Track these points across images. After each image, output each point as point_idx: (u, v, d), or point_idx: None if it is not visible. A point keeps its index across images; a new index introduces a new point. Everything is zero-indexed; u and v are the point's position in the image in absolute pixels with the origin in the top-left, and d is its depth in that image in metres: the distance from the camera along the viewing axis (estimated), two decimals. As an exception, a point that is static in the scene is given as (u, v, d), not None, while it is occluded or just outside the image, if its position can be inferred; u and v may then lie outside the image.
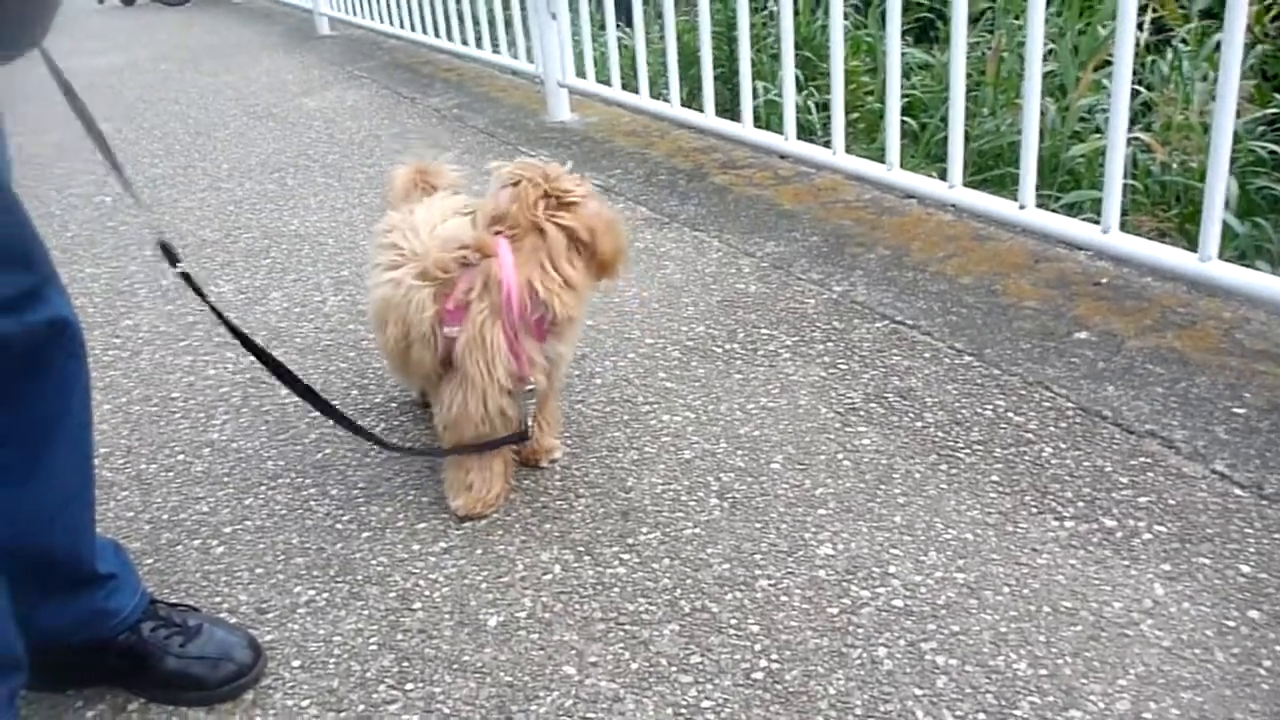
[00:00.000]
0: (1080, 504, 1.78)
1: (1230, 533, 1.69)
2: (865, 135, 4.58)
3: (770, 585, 1.66)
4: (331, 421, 1.82)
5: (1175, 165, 3.66)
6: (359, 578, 1.77)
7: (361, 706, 1.51)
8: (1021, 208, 2.61)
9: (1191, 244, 2.28)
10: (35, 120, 4.96)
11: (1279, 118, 3.89)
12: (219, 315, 1.59)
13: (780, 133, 3.33)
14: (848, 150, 3.19)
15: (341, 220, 3.47)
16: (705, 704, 1.46)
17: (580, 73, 4.34)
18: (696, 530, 1.81)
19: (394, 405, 2.29)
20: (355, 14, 6.81)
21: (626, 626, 1.61)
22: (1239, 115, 3.73)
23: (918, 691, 1.45)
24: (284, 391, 2.34)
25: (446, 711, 1.49)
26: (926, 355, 2.29)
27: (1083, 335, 2.30)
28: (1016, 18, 4.74)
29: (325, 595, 1.73)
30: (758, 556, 1.73)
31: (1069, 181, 3.91)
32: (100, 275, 3.15)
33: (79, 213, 3.75)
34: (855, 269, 2.74)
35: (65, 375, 1.42)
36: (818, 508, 1.84)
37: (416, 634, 1.63)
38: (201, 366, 2.53)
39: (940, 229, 2.93)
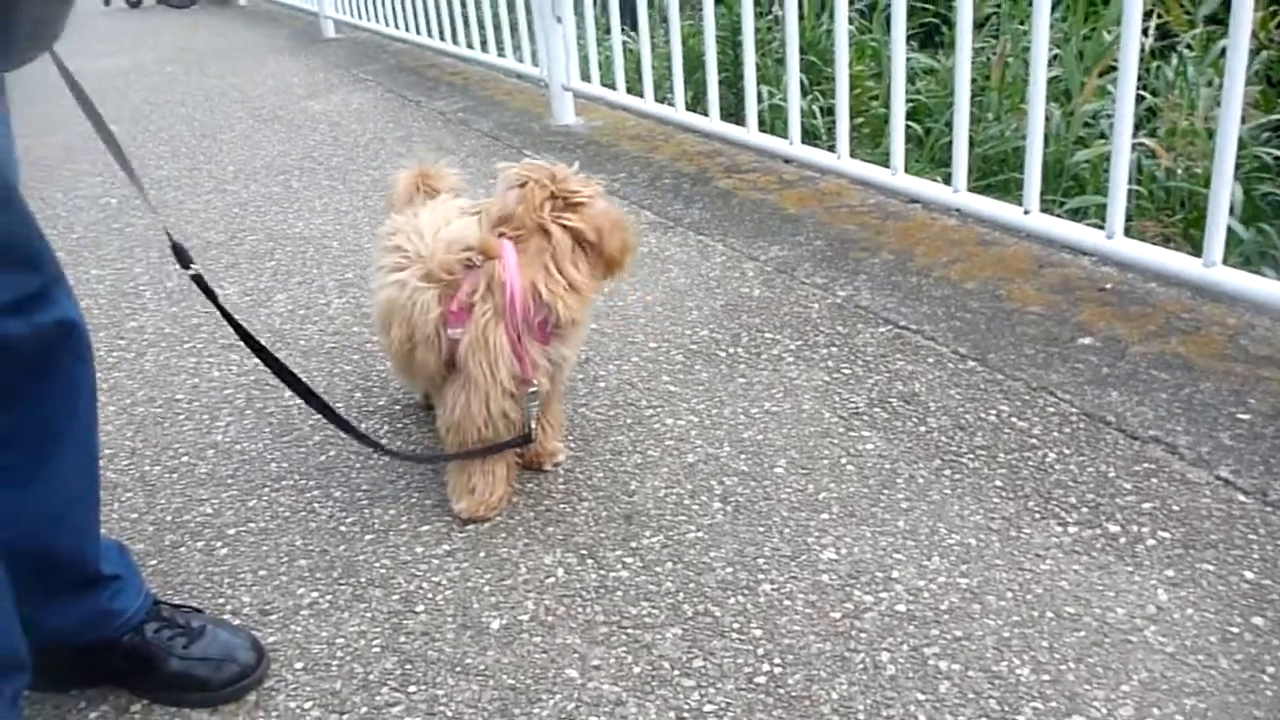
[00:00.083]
0: (1084, 509, 1.78)
1: (1234, 539, 1.68)
2: (870, 140, 4.58)
3: (773, 589, 1.66)
4: (347, 434, 1.82)
5: (1180, 171, 3.66)
6: (362, 580, 1.77)
7: (364, 709, 1.51)
8: (1026, 213, 2.61)
9: (1196, 249, 2.27)
10: (42, 122, 4.97)
11: (1284, 124, 3.89)
12: (229, 319, 1.59)
13: (785, 137, 3.34)
14: (852, 155, 3.19)
15: (346, 223, 3.48)
16: (708, 708, 1.46)
17: (585, 76, 4.34)
18: (699, 534, 1.81)
19: (398, 407, 2.29)
20: (361, 17, 6.82)
21: (629, 630, 1.61)
22: (1244, 121, 3.73)
23: (920, 696, 1.45)
24: (288, 394, 2.34)
25: (449, 714, 1.49)
26: (930, 360, 2.29)
27: (1087, 341, 2.30)
28: (1021, 23, 4.74)
29: (328, 597, 1.73)
30: (761, 561, 1.73)
31: (1073, 187, 3.91)
32: (105, 277, 3.16)
33: (85, 214, 3.76)
34: (859, 273, 2.74)
35: (72, 377, 1.42)
36: (821, 512, 1.84)
37: (419, 636, 1.63)
38: (206, 369, 2.54)
39: (944, 234, 2.93)
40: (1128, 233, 2.47)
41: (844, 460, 1.98)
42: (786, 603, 1.63)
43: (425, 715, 1.49)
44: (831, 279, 2.72)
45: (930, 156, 4.44)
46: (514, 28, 4.79)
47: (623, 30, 4.16)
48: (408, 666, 1.58)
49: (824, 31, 5.25)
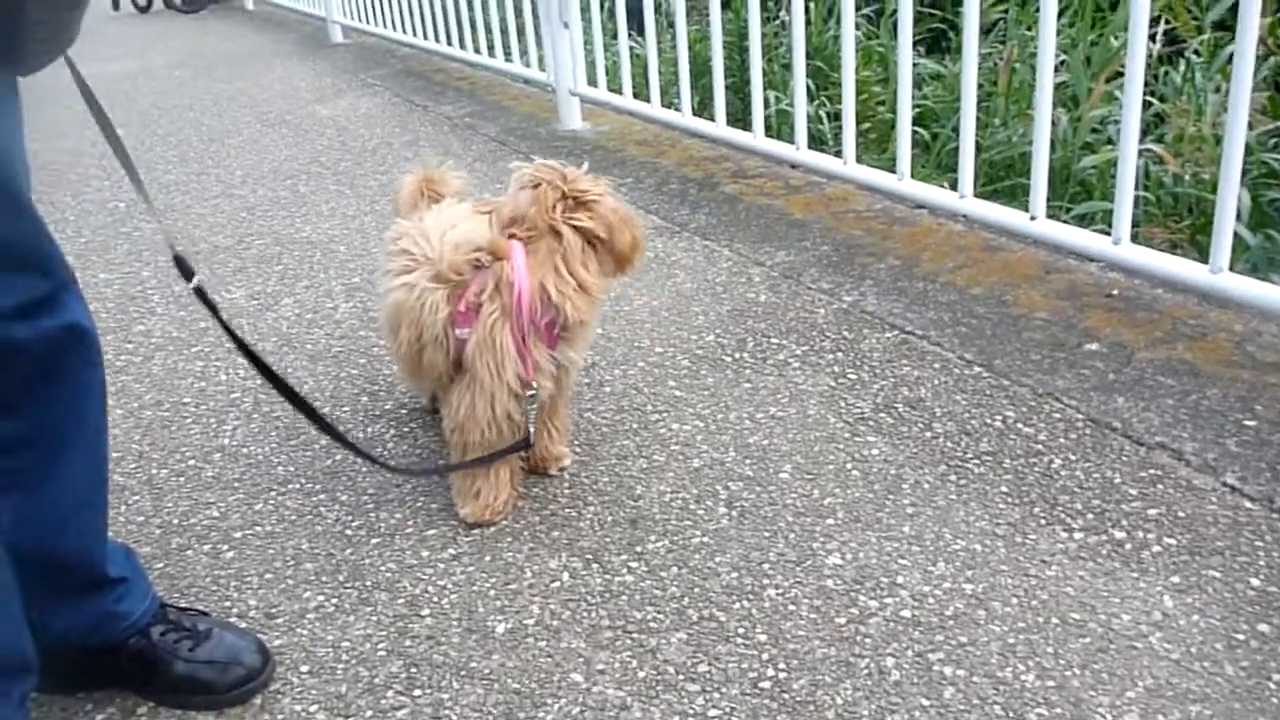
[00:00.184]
0: (1089, 516, 1.78)
1: (1240, 545, 1.68)
2: (876, 145, 4.58)
3: (778, 594, 1.66)
4: (347, 450, 1.82)
5: (1187, 177, 3.65)
6: (368, 584, 1.77)
7: (369, 712, 1.51)
8: (1032, 218, 2.61)
9: (1203, 256, 2.27)
10: (51, 126, 5.00)
11: (1292, 130, 3.88)
12: (231, 333, 1.59)
13: (791, 142, 3.34)
14: (859, 160, 3.19)
15: (353, 227, 3.49)
16: (712, 712, 1.46)
17: (592, 81, 4.35)
18: (705, 539, 1.81)
19: (404, 411, 2.30)
20: (368, 22, 6.84)
21: (634, 634, 1.61)
22: (1251, 127, 3.73)
23: (925, 702, 1.44)
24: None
25: (454, 718, 1.49)
26: (936, 365, 2.29)
27: (1093, 346, 2.29)
28: (1029, 29, 4.75)
29: (334, 601, 1.74)
30: (766, 566, 1.73)
31: (1081, 193, 3.91)
32: (114, 281, 3.17)
33: (93, 218, 3.77)
34: (865, 279, 2.74)
35: (81, 381, 1.43)
36: (826, 517, 1.84)
37: (425, 640, 1.64)
38: (213, 372, 2.54)
39: (951, 239, 2.92)
40: (1135, 239, 2.47)
41: (849, 465, 1.98)
42: (791, 608, 1.63)
43: (430, 719, 1.49)
44: (837, 284, 2.72)
45: (937, 162, 4.44)
46: (521, 33, 4.80)
47: (629, 35, 4.16)
48: (413, 670, 1.58)
49: (831, 37, 5.26)
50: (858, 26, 5.37)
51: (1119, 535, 1.73)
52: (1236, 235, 3.11)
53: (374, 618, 1.69)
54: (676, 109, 3.87)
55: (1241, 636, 1.51)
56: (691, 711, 1.46)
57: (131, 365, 2.62)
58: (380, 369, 2.48)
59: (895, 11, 3.08)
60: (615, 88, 4.21)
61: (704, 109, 4.06)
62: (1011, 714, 1.41)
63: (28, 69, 1.26)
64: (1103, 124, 4.16)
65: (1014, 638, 1.54)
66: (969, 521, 1.79)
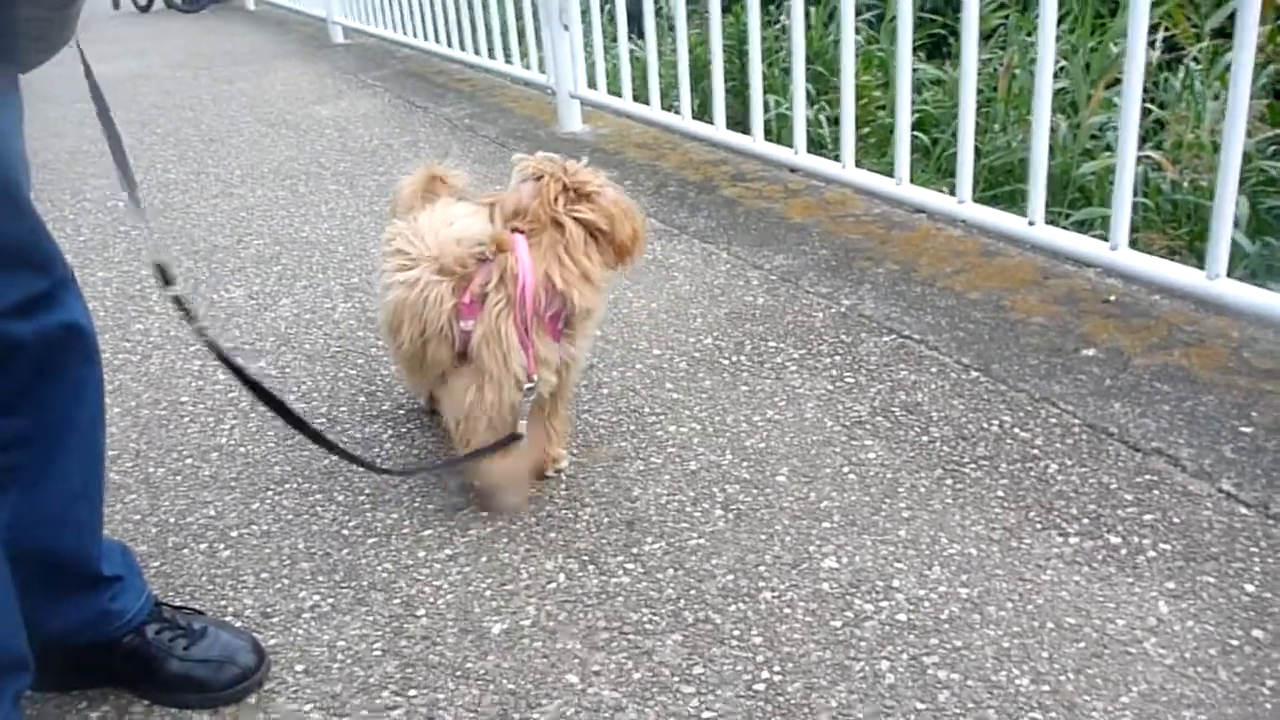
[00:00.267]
0: (1085, 521, 1.78)
1: (1235, 551, 1.68)
2: (876, 150, 4.59)
3: (774, 597, 1.67)
4: (332, 454, 1.82)
5: (1186, 184, 3.66)
6: (364, 583, 1.77)
7: (365, 712, 1.51)
8: (1030, 224, 2.61)
9: (1201, 262, 2.27)
10: (51, 125, 5.00)
11: (1291, 137, 3.89)
12: (207, 341, 1.60)
13: (791, 146, 3.34)
14: (858, 164, 3.19)
15: (352, 228, 3.49)
16: (707, 714, 1.46)
17: (592, 84, 4.35)
18: (701, 541, 1.81)
19: (401, 412, 2.30)
20: (369, 23, 6.85)
21: (630, 636, 1.61)
22: (1250, 135, 3.73)
23: (920, 706, 1.45)
24: (291, 397, 2.37)
25: (449, 718, 1.49)
26: (933, 370, 2.30)
27: (1090, 352, 2.30)
28: (1028, 34, 4.75)
29: (330, 600, 1.74)
30: (762, 568, 1.73)
31: (1079, 198, 3.92)
32: (112, 279, 3.17)
33: (91, 217, 3.77)
34: (863, 283, 2.74)
35: (79, 379, 1.43)
36: (822, 520, 1.84)
37: (420, 640, 1.64)
38: (211, 371, 2.54)
39: (949, 244, 2.93)
40: (1133, 245, 2.48)
41: (846, 469, 1.98)
42: (787, 611, 1.64)
43: (425, 719, 1.49)
44: (835, 288, 2.73)
45: (936, 167, 4.45)
46: (521, 35, 4.80)
47: (629, 38, 4.17)
48: (408, 670, 1.58)
49: (831, 41, 5.27)
50: (858, 31, 5.38)
51: (1114, 540, 1.73)
52: (1234, 242, 3.11)
53: (370, 617, 1.69)
54: (676, 112, 3.88)
55: (1236, 642, 1.51)
56: (686, 713, 1.46)
57: (129, 364, 2.62)
58: (378, 369, 2.48)
59: (896, 16, 3.09)
60: (615, 90, 4.22)
61: (703, 112, 4.06)
62: (1006, 718, 1.42)
63: (23, 66, 1.27)
64: (1102, 130, 4.16)
65: (1009, 642, 1.54)
66: (965, 525, 1.79)
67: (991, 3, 5.29)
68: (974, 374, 2.26)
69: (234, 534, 1.93)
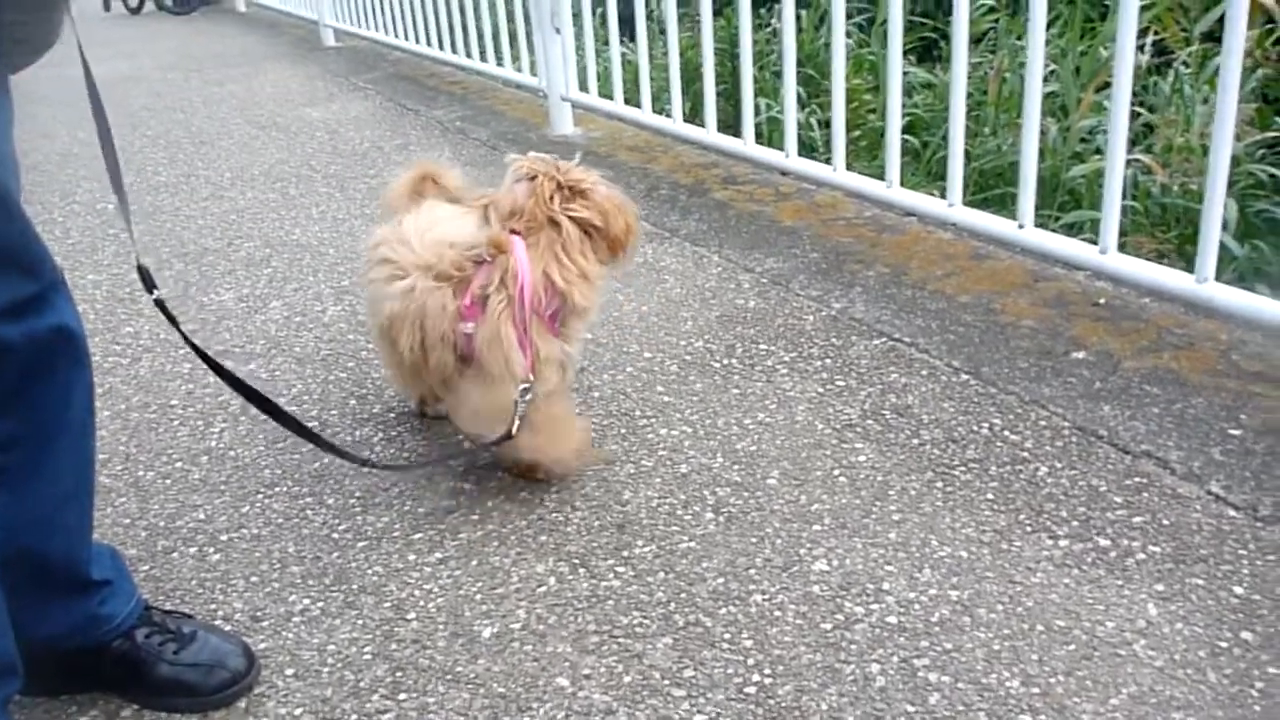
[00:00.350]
0: (1075, 523, 1.79)
1: (1224, 554, 1.69)
2: (867, 153, 4.60)
3: (764, 600, 1.67)
4: (324, 450, 1.83)
5: (1175, 187, 3.67)
6: (354, 587, 1.77)
7: (355, 716, 1.51)
8: (1020, 227, 2.62)
9: (1191, 265, 2.28)
10: (41, 127, 4.99)
11: (1279, 141, 3.91)
12: (193, 346, 1.60)
13: (782, 149, 3.35)
14: (850, 167, 3.20)
15: (343, 230, 3.49)
16: (697, 718, 1.46)
17: (583, 87, 4.36)
18: (692, 544, 1.81)
19: (392, 415, 2.30)
20: (360, 25, 6.84)
21: (620, 639, 1.61)
22: (1239, 138, 3.75)
23: (910, 708, 1.45)
24: (282, 400, 2.36)
25: (439, 722, 1.49)
26: (924, 373, 2.30)
27: (1080, 355, 2.30)
28: (1018, 38, 4.77)
29: (320, 604, 1.74)
30: (752, 571, 1.73)
31: (1070, 201, 3.93)
32: (102, 282, 3.16)
33: (81, 219, 3.76)
34: (854, 286, 2.75)
35: (68, 382, 1.42)
36: (813, 523, 1.84)
37: (410, 644, 1.63)
38: (201, 374, 2.54)
39: (939, 247, 2.94)
40: (1123, 248, 2.48)
41: (836, 472, 1.98)
42: (777, 613, 1.64)
43: (415, 723, 1.49)
44: (826, 291, 2.73)
45: (927, 170, 4.46)
46: (513, 38, 4.80)
47: (621, 41, 4.17)
48: (399, 674, 1.58)
49: (822, 45, 5.28)
50: (849, 35, 5.39)
51: (1104, 543, 1.73)
52: (1223, 245, 3.12)
53: (360, 621, 1.69)
54: (668, 115, 3.88)
55: (1224, 644, 1.52)
56: (677, 717, 1.46)
57: (119, 367, 2.61)
58: (369, 372, 2.48)
59: (886, 20, 3.09)
60: (607, 93, 4.22)
61: (695, 115, 4.06)
62: (996, 720, 1.42)
63: (9, 68, 1.27)
64: (1092, 134, 4.18)
65: (999, 644, 1.54)
66: (955, 528, 1.80)
67: (981, 7, 5.30)
68: (964, 377, 2.27)
69: (224, 538, 1.92)
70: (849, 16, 5.17)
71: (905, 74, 4.56)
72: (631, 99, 4.11)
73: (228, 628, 1.68)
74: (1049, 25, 4.72)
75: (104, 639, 1.53)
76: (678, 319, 2.65)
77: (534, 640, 1.62)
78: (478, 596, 1.73)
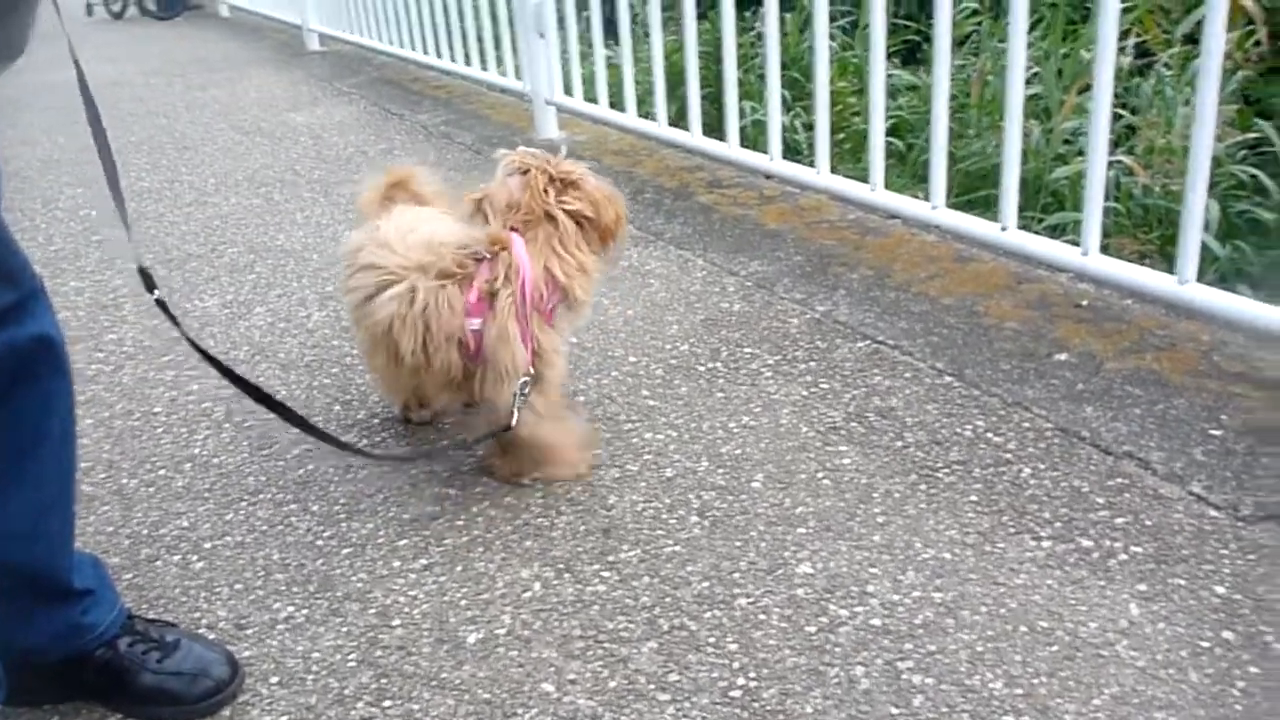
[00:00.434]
0: (1058, 524, 1.79)
1: (1205, 554, 1.70)
2: (851, 156, 4.61)
3: (749, 603, 1.67)
4: (322, 442, 1.83)
5: (1158, 188, 3.69)
6: (339, 594, 1.77)
7: (339, 723, 1.51)
8: (1003, 229, 2.63)
9: (1173, 266, 2.29)
10: (23, 133, 4.96)
11: (1261, 142, 3.94)
12: (194, 345, 1.60)
13: (766, 153, 3.35)
14: (834, 170, 3.21)
15: (327, 236, 3.48)
16: (682, 722, 1.46)
17: (568, 91, 4.36)
18: (677, 548, 1.81)
19: (376, 421, 2.29)
20: (344, 30, 6.83)
21: (605, 644, 1.61)
22: (1220, 139, 3.77)
23: (894, 710, 1.45)
24: (266, 407, 2.35)
25: (424, 729, 1.49)
26: (907, 375, 2.31)
27: (1063, 356, 2.31)
28: (1001, 41, 4.78)
29: (305, 612, 1.73)
30: (737, 575, 1.73)
31: (1053, 203, 3.94)
32: (85, 289, 3.15)
33: (64, 226, 3.75)
34: (838, 289, 2.75)
35: (49, 391, 1.42)
36: (797, 526, 1.84)
37: (395, 651, 1.63)
38: (184, 381, 2.53)
39: (923, 250, 2.94)
40: (1105, 249, 2.50)
41: (821, 475, 1.99)
42: (762, 617, 1.64)
43: (400, 730, 1.49)
44: (810, 294, 2.74)
45: (912, 172, 4.47)
46: (498, 42, 4.80)
47: (605, 45, 4.17)
48: (383, 681, 1.58)
49: (807, 48, 5.29)
50: (833, 37, 5.40)
51: (1086, 544, 1.74)
52: (1206, 246, 3.14)
53: (344, 628, 1.69)
54: (652, 119, 3.88)
55: (1206, 644, 1.52)
56: (662, 721, 1.47)
57: (102, 374, 2.60)
58: (353, 378, 2.47)
59: (870, 22, 3.10)
60: (591, 97, 4.22)
61: (680, 119, 4.07)
62: (979, 722, 1.42)
63: None
64: (1075, 135, 4.20)
65: (982, 646, 1.55)
66: (939, 530, 1.80)
67: (965, 9, 5.32)
68: (947, 379, 2.28)
69: (208, 545, 1.92)
70: (833, 19, 5.18)
71: (889, 77, 4.57)
72: (616, 103, 4.11)
73: (212, 636, 1.68)
74: (1032, 28, 4.74)
75: (86, 648, 1.52)
76: (662, 323, 2.66)
77: (519, 646, 1.62)
78: (463, 602, 1.72)
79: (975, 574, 1.69)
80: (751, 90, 4.99)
